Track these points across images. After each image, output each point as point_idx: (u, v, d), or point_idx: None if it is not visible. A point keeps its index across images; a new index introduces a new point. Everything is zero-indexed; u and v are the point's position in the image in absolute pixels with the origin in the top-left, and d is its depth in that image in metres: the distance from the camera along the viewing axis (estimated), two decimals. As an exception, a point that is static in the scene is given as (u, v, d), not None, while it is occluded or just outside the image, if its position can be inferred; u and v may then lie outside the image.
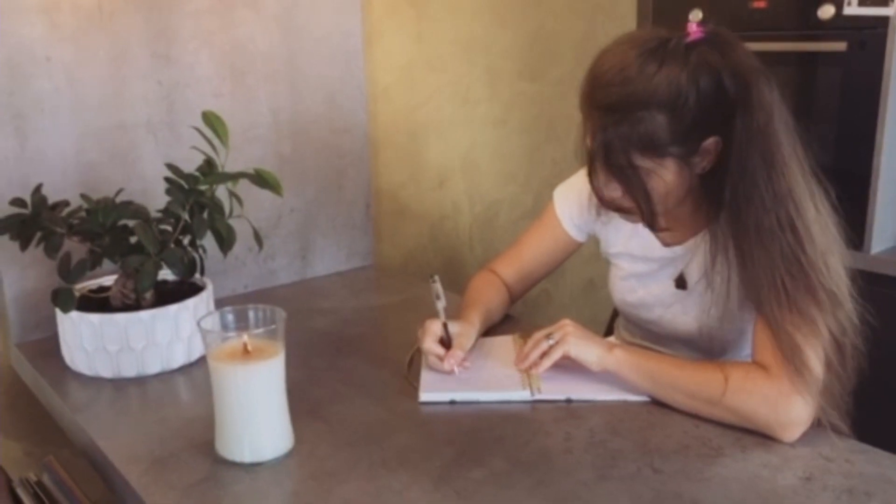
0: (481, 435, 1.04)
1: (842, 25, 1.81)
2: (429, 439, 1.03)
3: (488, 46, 2.00)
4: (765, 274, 1.01)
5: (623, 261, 1.30)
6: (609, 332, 1.58)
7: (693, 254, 1.19)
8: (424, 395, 1.14)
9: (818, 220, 1.02)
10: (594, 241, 1.36)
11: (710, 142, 1.03)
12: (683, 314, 1.22)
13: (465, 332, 1.23)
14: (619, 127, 1.01)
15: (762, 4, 1.95)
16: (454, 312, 1.28)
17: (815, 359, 1.00)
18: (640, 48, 1.02)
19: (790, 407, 0.99)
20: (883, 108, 1.80)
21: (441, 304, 1.21)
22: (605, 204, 1.12)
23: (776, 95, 1.01)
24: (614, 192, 1.08)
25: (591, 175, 1.09)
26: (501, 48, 2.02)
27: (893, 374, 1.57)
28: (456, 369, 1.17)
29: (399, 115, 1.89)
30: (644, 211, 1.07)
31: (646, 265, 1.26)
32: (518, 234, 1.44)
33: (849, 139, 1.85)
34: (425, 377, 1.18)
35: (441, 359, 1.18)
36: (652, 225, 1.09)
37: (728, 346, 1.21)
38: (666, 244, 1.23)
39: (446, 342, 1.19)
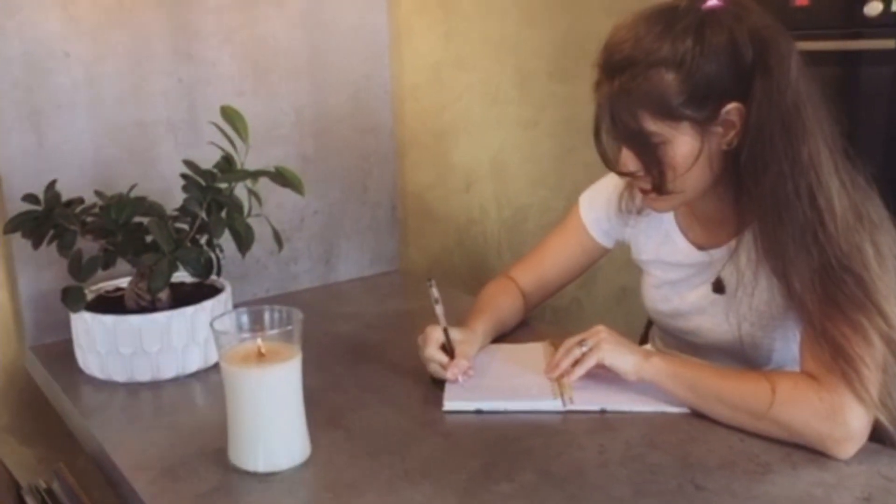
0: (509, 446, 0.97)
1: (890, 22, 1.73)
2: (453, 450, 0.97)
3: (518, 46, 1.94)
4: (785, 250, 0.96)
5: (655, 268, 1.24)
6: (643, 341, 1.51)
7: (732, 257, 1.12)
8: (449, 404, 1.08)
9: (842, 194, 0.96)
10: (625, 248, 1.30)
11: (732, 109, 0.97)
12: (723, 322, 1.15)
13: (467, 339, 1.17)
14: (626, 87, 0.97)
15: (805, 2, 1.87)
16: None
17: (864, 359, 0.92)
18: (647, 13, 0.99)
19: (845, 420, 0.91)
20: (934, 108, 1.71)
21: (440, 309, 1.15)
22: (619, 174, 1.08)
23: (797, 60, 0.96)
24: (627, 163, 1.03)
25: (598, 142, 1.04)
26: (532, 48, 1.97)
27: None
28: (460, 378, 1.12)
29: (426, 115, 1.84)
30: (654, 176, 1.02)
31: (680, 272, 1.19)
32: (544, 239, 1.38)
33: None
34: (450, 385, 1.12)
35: (444, 366, 1.12)
36: (660, 189, 1.03)
37: (773, 354, 1.13)
38: (701, 247, 1.16)
39: (448, 349, 1.14)
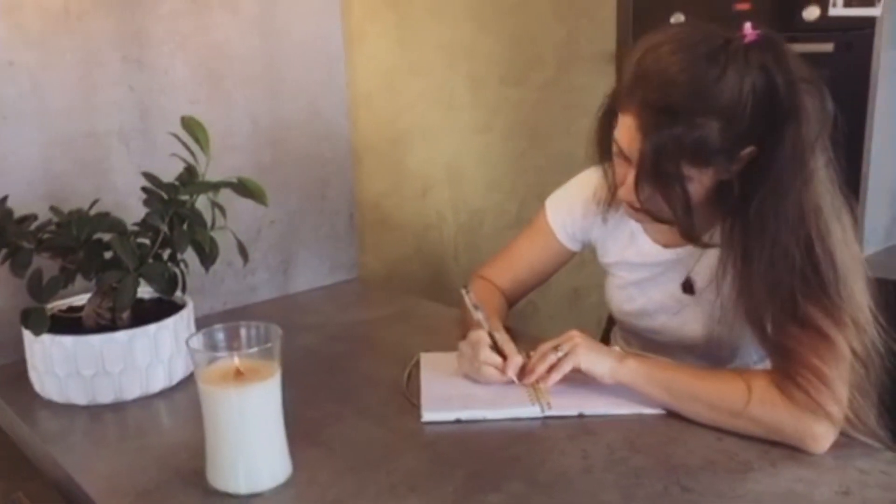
0: (493, 455, 0.97)
1: (827, 27, 1.79)
2: (437, 462, 0.96)
3: (471, 51, 1.94)
4: (768, 289, 0.97)
5: (620, 270, 1.25)
6: (604, 342, 1.52)
7: (699, 257, 1.14)
8: (427, 415, 1.07)
9: (844, 240, 0.97)
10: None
11: (749, 150, 0.97)
12: (690, 321, 1.17)
13: (507, 338, 1.15)
14: (675, 131, 0.93)
15: (745, 6, 1.92)
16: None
17: (836, 369, 0.95)
18: (700, 48, 0.94)
19: (819, 417, 0.94)
20: (871, 109, 1.78)
21: (482, 314, 1.14)
22: (633, 209, 1.05)
23: (830, 106, 0.95)
24: (639, 191, 1.01)
25: (605, 161, 1.03)
26: (484, 53, 1.97)
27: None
28: (515, 378, 1.11)
29: (381, 122, 1.82)
30: (682, 221, 1.00)
31: (646, 271, 1.21)
32: (503, 243, 1.38)
33: (836, 141, 1.83)
34: (426, 395, 1.11)
35: (500, 368, 1.10)
36: (691, 236, 1.03)
37: (738, 352, 1.16)
38: (666, 246, 1.17)
39: (497, 350, 1.12)
